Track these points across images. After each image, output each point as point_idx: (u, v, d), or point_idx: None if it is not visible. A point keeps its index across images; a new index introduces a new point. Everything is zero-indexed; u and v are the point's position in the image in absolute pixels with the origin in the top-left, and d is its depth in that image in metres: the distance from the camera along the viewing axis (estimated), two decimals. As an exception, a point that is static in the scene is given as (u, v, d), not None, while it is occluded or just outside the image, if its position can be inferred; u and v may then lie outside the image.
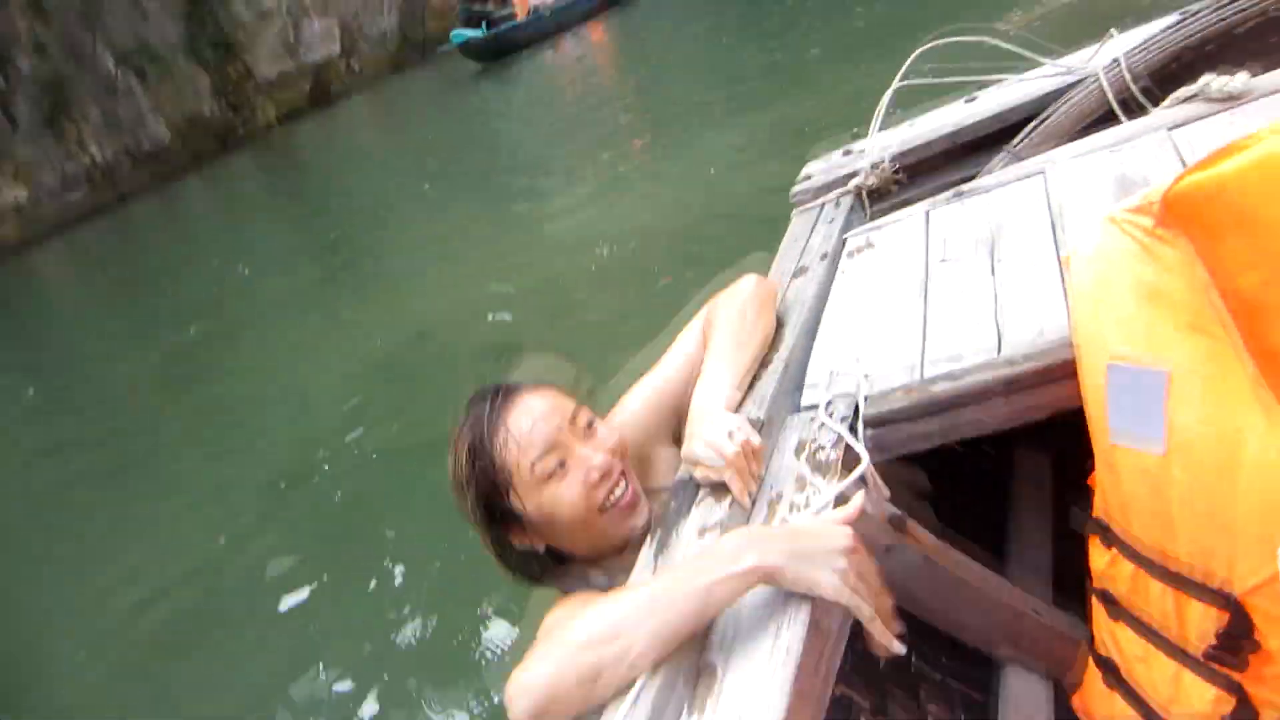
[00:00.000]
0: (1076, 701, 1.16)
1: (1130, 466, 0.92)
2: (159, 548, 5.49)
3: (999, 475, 1.74)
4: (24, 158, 13.78)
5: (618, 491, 1.27)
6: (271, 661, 3.87)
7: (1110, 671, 1.07)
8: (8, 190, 13.66)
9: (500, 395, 1.31)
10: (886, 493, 1.22)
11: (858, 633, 1.29)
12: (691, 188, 7.22)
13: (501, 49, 19.77)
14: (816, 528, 1.04)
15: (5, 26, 13.44)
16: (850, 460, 1.18)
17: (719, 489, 1.21)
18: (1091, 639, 1.10)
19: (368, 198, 11.98)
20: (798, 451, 1.24)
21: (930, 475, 1.59)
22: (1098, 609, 1.05)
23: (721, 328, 1.40)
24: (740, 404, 1.32)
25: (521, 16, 20.60)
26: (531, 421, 1.26)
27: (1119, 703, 1.05)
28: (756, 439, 1.21)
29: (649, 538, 1.21)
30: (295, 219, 12.99)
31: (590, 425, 1.29)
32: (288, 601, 4.15)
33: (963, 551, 1.31)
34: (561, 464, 1.26)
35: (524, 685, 1.01)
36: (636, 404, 1.43)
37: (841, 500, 1.11)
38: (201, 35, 15.90)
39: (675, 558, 1.15)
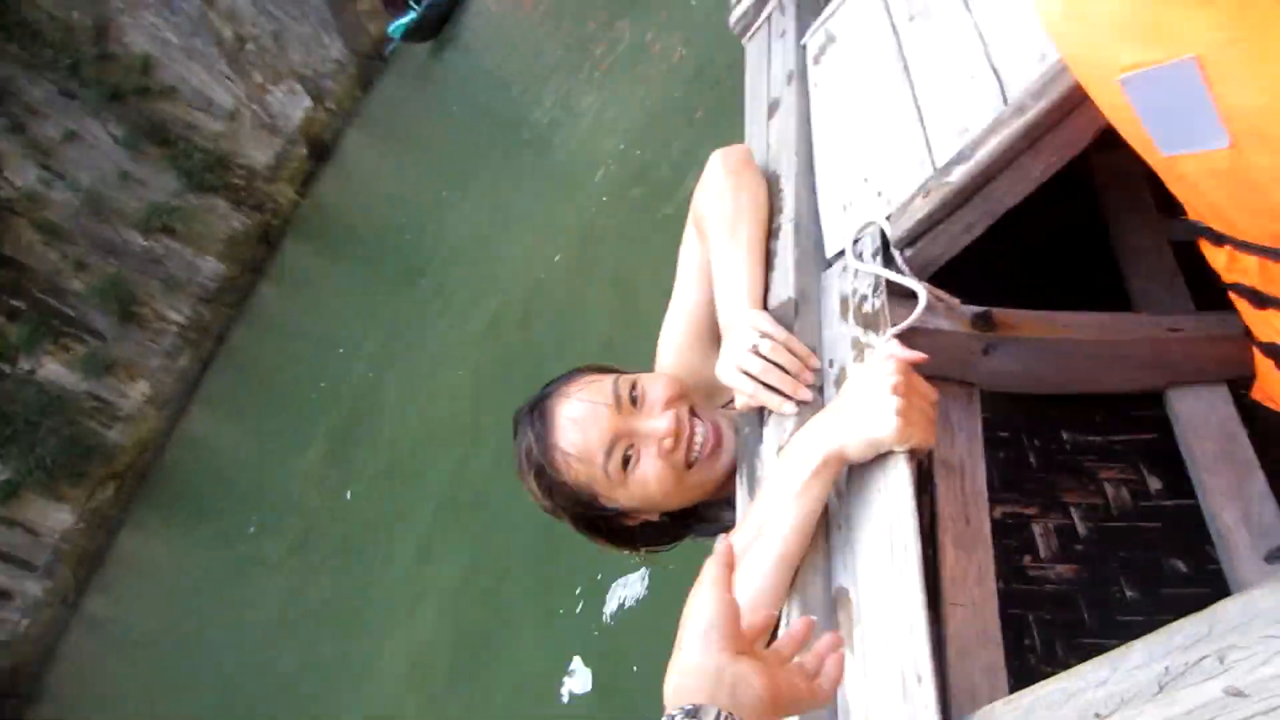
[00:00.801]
0: (1258, 394, 1.06)
1: (1199, 171, 0.78)
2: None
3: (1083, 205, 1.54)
4: (126, 357, 14.71)
5: (697, 441, 1.20)
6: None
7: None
8: (132, 391, 14.66)
9: (537, 417, 1.24)
10: (955, 301, 1.10)
11: (997, 440, 1.23)
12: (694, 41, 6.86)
13: (441, 16, 18.94)
14: (860, 381, 0.96)
15: (42, 265, 14.27)
16: (899, 295, 1.06)
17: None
18: (1248, 330, 1.00)
19: (412, 221, 12.08)
20: (843, 312, 1.12)
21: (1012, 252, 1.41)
22: (1239, 303, 0.95)
23: (709, 225, 1.27)
24: (766, 293, 1.20)
25: (440, -25, 19.62)
26: (580, 430, 1.20)
27: None
28: (781, 333, 1.10)
29: (739, 477, 1.15)
30: (364, 273, 13.29)
31: (636, 393, 1.21)
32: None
33: (1070, 310, 1.18)
34: (630, 450, 1.19)
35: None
36: (673, 337, 1.35)
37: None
38: (192, 167, 16.32)
39: None
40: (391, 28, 20.40)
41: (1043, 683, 0.72)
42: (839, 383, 1.06)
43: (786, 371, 1.09)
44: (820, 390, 1.08)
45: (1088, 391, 1.23)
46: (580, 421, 1.20)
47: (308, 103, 20.37)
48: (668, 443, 1.18)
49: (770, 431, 1.10)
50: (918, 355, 0.97)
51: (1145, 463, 1.25)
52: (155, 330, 15.13)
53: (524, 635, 4.81)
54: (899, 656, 0.81)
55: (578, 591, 4.40)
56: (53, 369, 14.01)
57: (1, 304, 13.52)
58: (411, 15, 19.52)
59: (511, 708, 4.62)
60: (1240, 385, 1.15)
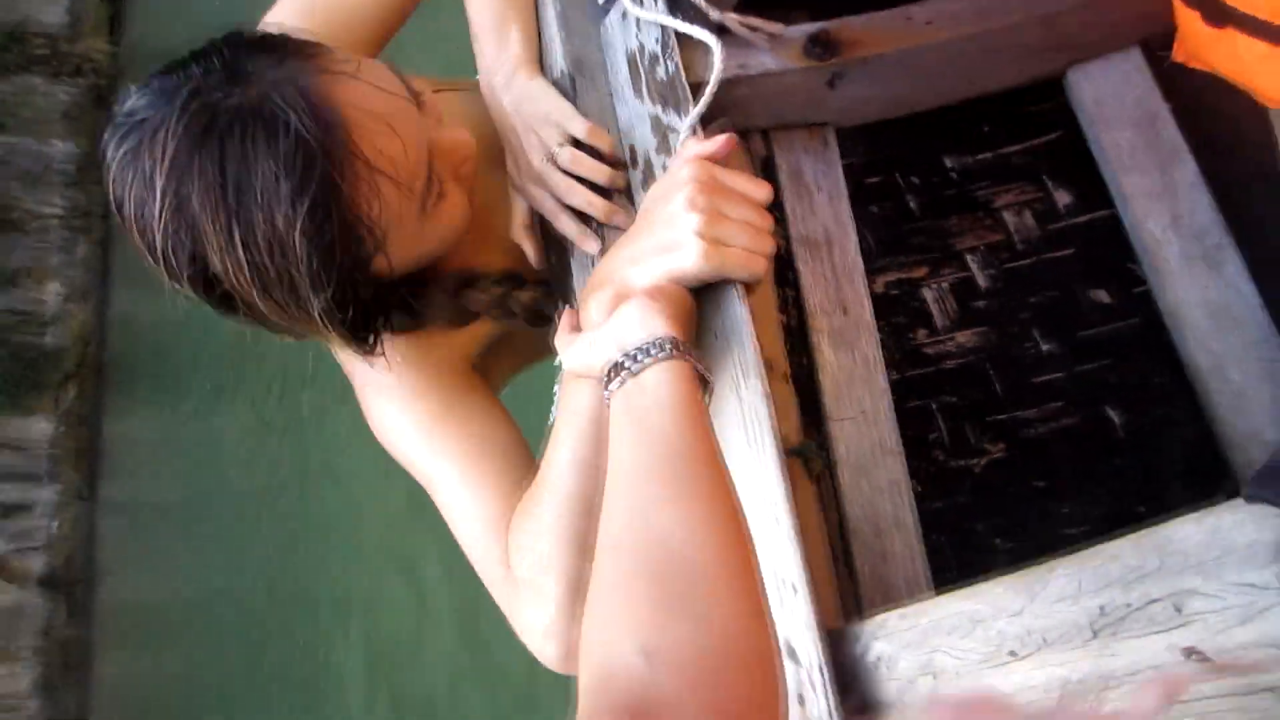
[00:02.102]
0: (1179, 55, 0.89)
1: None
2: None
3: None
4: (24, 265, 13.99)
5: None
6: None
7: (1208, 6, 0.80)
8: (47, 294, 13.98)
9: (292, 96, 0.70)
10: (778, 26, 0.89)
11: (866, 192, 0.99)
12: None
13: None
14: (654, 192, 0.77)
15: None
16: (695, 49, 0.86)
17: (581, 218, 0.89)
18: None
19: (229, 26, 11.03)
20: (635, 81, 0.88)
21: None
22: None
23: None
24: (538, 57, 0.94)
25: None
26: (397, 139, 0.75)
27: (1239, 39, 0.79)
28: (581, 125, 0.85)
29: (556, 316, 0.89)
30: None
31: (414, 89, 0.82)
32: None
33: None
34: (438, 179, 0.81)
35: (535, 629, 0.82)
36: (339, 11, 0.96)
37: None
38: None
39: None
40: None
41: (944, 597, 0.61)
42: (646, 180, 0.86)
43: (601, 190, 0.85)
44: (630, 195, 0.88)
45: (970, 97, 1.01)
46: (393, 122, 0.74)
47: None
48: (466, 166, 0.85)
49: (577, 263, 0.91)
50: (718, 145, 0.76)
51: (1050, 174, 1.05)
52: (38, 229, 14.29)
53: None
54: (768, 555, 0.70)
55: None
56: (-44, 301, 13.53)
57: None
58: None
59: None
60: (1156, 46, 0.95)
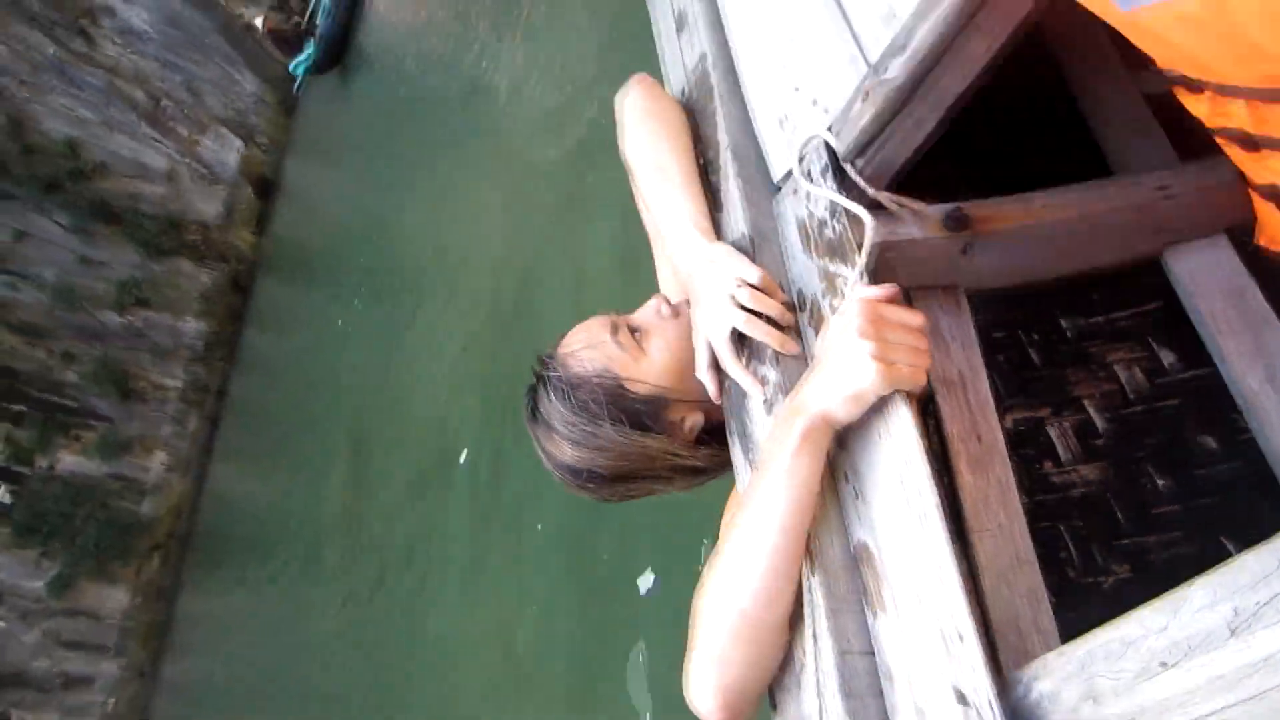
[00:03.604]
0: (1262, 239, 1.01)
1: (1166, 20, 0.75)
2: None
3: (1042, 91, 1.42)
4: (137, 433, 14.68)
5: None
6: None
7: None
8: (152, 463, 14.54)
9: (541, 374, 1.23)
10: (921, 205, 1.06)
11: (994, 344, 1.15)
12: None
13: (336, 45, 17.77)
14: (830, 334, 0.93)
15: (32, 366, 14.08)
16: (858, 215, 1.02)
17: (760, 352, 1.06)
18: (1241, 175, 0.97)
19: (371, 233, 11.99)
20: (805, 242, 1.07)
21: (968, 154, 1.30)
22: (1229, 148, 0.91)
23: (638, 175, 1.25)
24: (719, 233, 1.17)
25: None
26: (581, 332, 1.24)
27: None
28: (755, 272, 1.05)
29: (729, 435, 1.11)
30: (334, 297, 13.25)
31: (634, 328, 1.24)
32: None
33: (1050, 186, 1.13)
34: (634, 333, 1.21)
35: (694, 686, 0.92)
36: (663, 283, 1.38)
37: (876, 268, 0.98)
38: (147, 237, 16.17)
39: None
40: (292, 66, 19.24)
41: (1096, 632, 0.68)
42: (814, 322, 1.02)
43: (773, 323, 1.04)
44: (798, 333, 1.05)
45: (1081, 271, 1.17)
46: (578, 332, 1.25)
47: (239, 144, 20.11)
48: (665, 309, 1.22)
49: (755, 387, 1.07)
50: (886, 289, 0.93)
51: (1155, 336, 1.18)
52: (157, 400, 15.24)
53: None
54: (936, 613, 0.77)
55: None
56: (71, 461, 14.16)
57: (4, 412, 13.67)
58: (309, 52, 18.39)
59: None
60: (1240, 233, 1.09)
